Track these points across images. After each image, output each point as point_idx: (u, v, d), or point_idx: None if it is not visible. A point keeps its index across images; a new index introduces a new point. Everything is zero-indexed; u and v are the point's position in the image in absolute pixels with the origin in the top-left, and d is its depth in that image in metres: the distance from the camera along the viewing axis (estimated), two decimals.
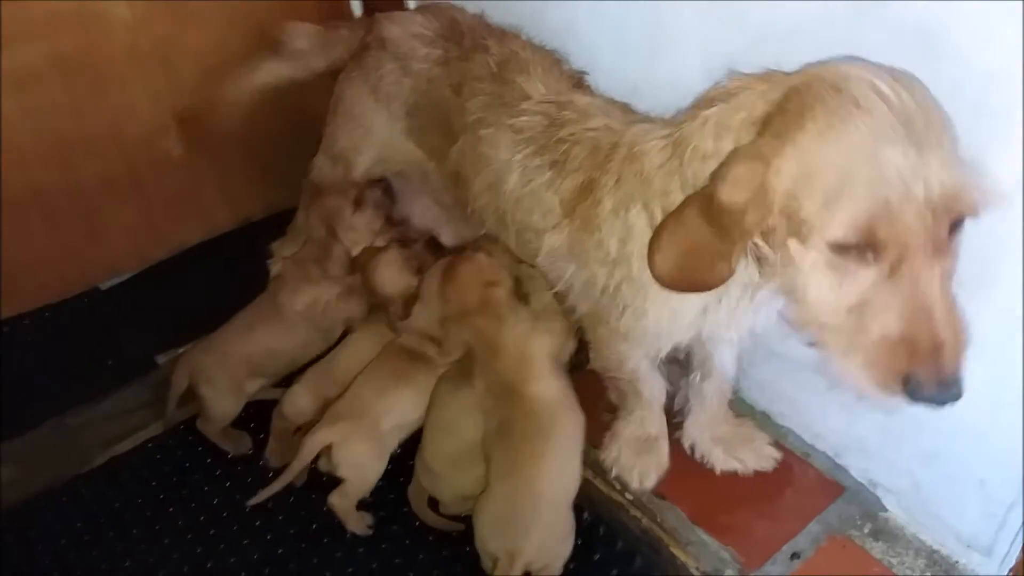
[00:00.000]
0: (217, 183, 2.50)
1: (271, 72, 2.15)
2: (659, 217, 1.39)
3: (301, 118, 2.33)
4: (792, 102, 1.17)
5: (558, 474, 1.76)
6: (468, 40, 1.91)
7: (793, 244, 1.18)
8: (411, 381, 1.97)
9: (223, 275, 2.46)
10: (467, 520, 1.87)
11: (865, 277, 1.14)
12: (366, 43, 2.07)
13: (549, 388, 1.81)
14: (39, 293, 2.33)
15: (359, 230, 2.17)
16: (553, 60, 1.85)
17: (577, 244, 1.63)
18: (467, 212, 1.93)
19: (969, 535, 1.71)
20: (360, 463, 1.91)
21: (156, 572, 1.90)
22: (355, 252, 2.18)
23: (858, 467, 1.87)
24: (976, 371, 1.52)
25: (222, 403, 2.09)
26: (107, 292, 2.42)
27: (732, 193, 1.17)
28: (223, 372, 2.06)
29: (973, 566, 1.72)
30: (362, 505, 1.95)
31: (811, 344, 1.25)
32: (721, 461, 1.89)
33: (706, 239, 1.22)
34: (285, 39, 2.11)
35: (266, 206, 2.60)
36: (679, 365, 1.89)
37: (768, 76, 1.27)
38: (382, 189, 2.22)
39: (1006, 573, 1.67)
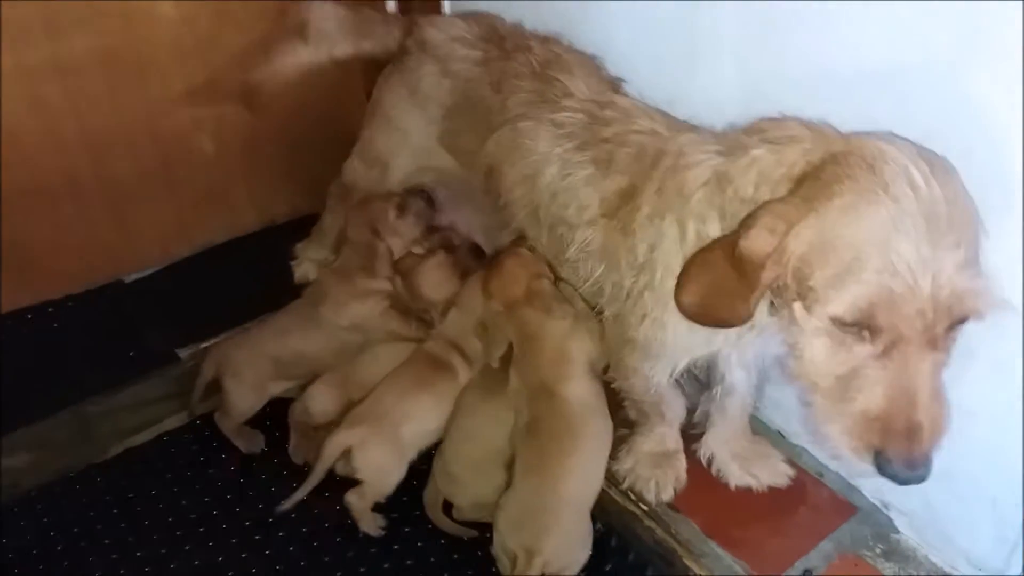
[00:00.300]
0: (245, 184, 2.53)
1: (296, 56, 2.13)
2: (691, 234, 1.45)
3: (329, 124, 2.38)
4: (827, 170, 1.22)
5: (582, 477, 1.79)
6: (509, 42, 1.95)
7: (798, 306, 1.25)
8: (433, 388, 2.00)
9: (246, 274, 2.48)
10: (480, 527, 1.89)
11: (859, 352, 1.21)
12: (405, 47, 2.11)
13: (583, 390, 1.85)
14: (65, 281, 2.35)
15: (401, 235, 2.20)
16: (594, 65, 1.90)
17: (611, 245, 1.66)
18: (498, 204, 1.95)
19: (979, 558, 1.72)
20: (379, 467, 1.94)
21: (167, 563, 1.91)
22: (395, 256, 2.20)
23: (871, 487, 1.88)
24: (990, 390, 1.56)
25: (243, 399, 2.11)
26: (131, 285, 2.44)
27: (753, 245, 1.24)
28: (250, 369, 2.09)
29: None
30: (376, 507, 1.96)
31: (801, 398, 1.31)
32: (736, 476, 1.90)
33: (729, 281, 1.28)
34: (310, 19, 2.09)
35: (291, 209, 2.63)
36: (698, 381, 1.91)
37: (816, 132, 1.32)
38: (424, 198, 2.25)
39: None
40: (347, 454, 1.94)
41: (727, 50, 1.76)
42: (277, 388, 2.15)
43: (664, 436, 1.89)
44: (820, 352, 1.24)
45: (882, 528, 1.85)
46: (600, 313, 1.81)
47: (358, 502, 1.94)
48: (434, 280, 2.15)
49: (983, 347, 1.54)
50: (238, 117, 2.33)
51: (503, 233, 2.04)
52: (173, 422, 2.20)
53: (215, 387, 2.11)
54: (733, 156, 1.40)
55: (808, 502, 1.89)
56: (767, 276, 1.25)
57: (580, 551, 1.76)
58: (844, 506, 1.88)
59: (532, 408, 1.84)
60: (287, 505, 1.92)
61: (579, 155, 1.72)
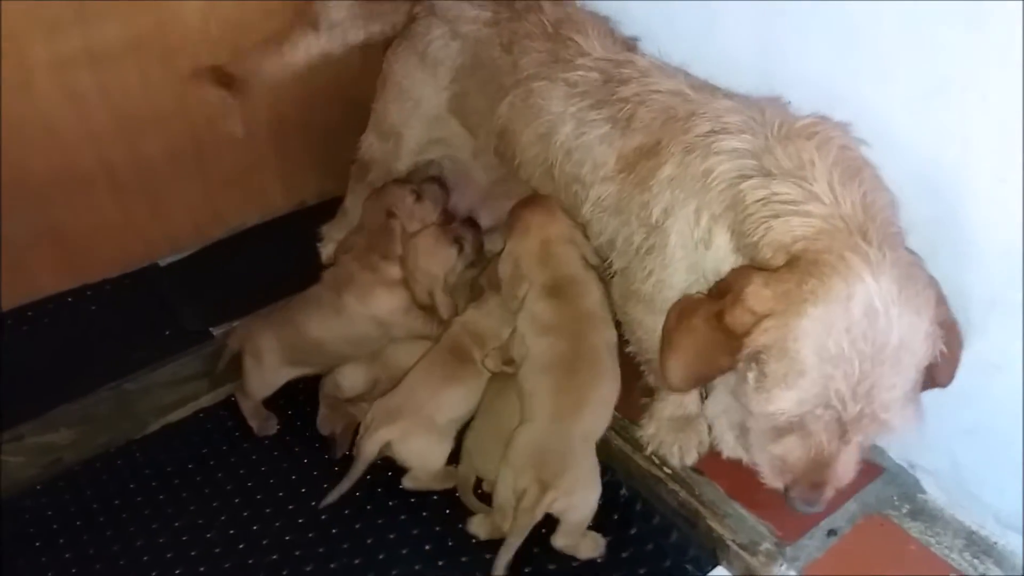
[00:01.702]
0: (275, 167, 2.58)
1: (309, 47, 2.17)
2: (703, 227, 1.51)
3: (356, 107, 2.41)
4: (816, 267, 1.29)
5: (600, 413, 1.85)
6: (520, 3, 1.96)
7: (751, 376, 1.35)
8: (463, 381, 2.02)
9: (277, 256, 2.54)
10: None
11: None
12: (413, 14, 2.13)
13: (609, 333, 1.91)
14: (101, 266, 2.42)
15: (419, 219, 2.20)
16: (607, 25, 1.90)
17: (625, 198, 1.68)
18: (514, 166, 1.96)
19: (1008, 515, 1.70)
20: (422, 454, 1.98)
21: (204, 533, 1.96)
22: None
23: (898, 448, 1.88)
24: (1014, 342, 1.55)
25: (260, 381, 2.14)
26: (166, 268, 2.51)
27: (737, 321, 1.32)
28: (269, 354, 2.12)
29: (1012, 547, 1.71)
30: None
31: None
32: (730, 447, 1.88)
33: (713, 345, 1.36)
34: (321, 11, 2.13)
35: (320, 192, 2.68)
36: None
37: (830, 211, 1.34)
38: (438, 183, 2.27)
39: None
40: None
41: (745, 10, 1.76)
42: (294, 373, 2.17)
43: (683, 400, 1.90)
44: (759, 411, 1.36)
45: (908, 488, 1.84)
46: (609, 266, 1.83)
47: (415, 484, 2.00)
48: (434, 254, 2.16)
49: (1007, 297, 1.54)
50: (267, 101, 2.39)
51: (507, 203, 2.06)
52: (208, 399, 2.26)
53: (238, 362, 2.15)
54: (762, 170, 1.43)
55: None
56: (741, 345, 1.34)
57: (589, 493, 1.78)
58: (870, 467, 1.87)
59: (563, 346, 1.87)
60: (331, 499, 1.95)
61: (594, 113, 1.73)
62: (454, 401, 2.00)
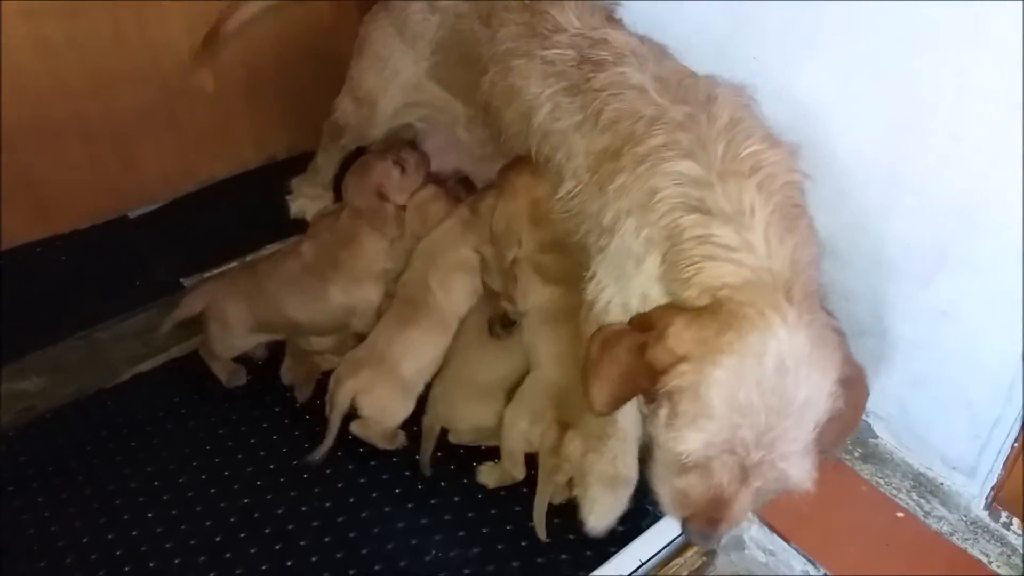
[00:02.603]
0: (246, 121, 2.60)
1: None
2: (640, 241, 1.51)
3: (327, 62, 2.41)
4: (736, 319, 1.31)
5: None
6: None
7: (663, 413, 1.37)
8: (416, 324, 2.04)
9: (247, 209, 2.56)
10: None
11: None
12: None
13: None
14: (73, 217, 2.43)
15: (406, 190, 2.20)
16: None
17: (589, 198, 1.68)
18: (500, 142, 1.97)
19: (954, 457, 1.78)
20: (384, 405, 1.99)
21: (176, 479, 1.99)
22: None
23: None
24: (962, 290, 1.62)
25: (227, 345, 2.15)
26: (136, 220, 2.51)
27: (658, 358, 1.35)
28: (239, 323, 2.11)
29: (957, 487, 1.80)
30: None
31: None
32: None
33: (636, 373, 1.39)
34: None
35: (289, 146, 2.69)
36: None
37: (759, 262, 1.36)
38: (416, 148, 2.26)
39: (987, 492, 1.75)
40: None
41: None
42: (262, 339, 2.18)
43: (616, 456, 1.83)
44: (667, 445, 1.38)
45: (861, 433, 1.91)
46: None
47: (363, 431, 2.00)
48: (433, 212, 2.17)
49: (956, 248, 1.60)
50: (238, 56, 2.39)
51: (489, 164, 2.07)
52: (179, 350, 2.27)
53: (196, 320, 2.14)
54: (703, 207, 1.42)
55: None
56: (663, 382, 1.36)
57: None
58: None
59: (562, 297, 1.89)
60: (318, 456, 1.96)
61: (569, 99, 1.72)
62: (413, 346, 2.02)
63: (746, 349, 1.28)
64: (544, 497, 1.81)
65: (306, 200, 2.52)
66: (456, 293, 2.09)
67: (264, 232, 2.32)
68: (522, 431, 1.85)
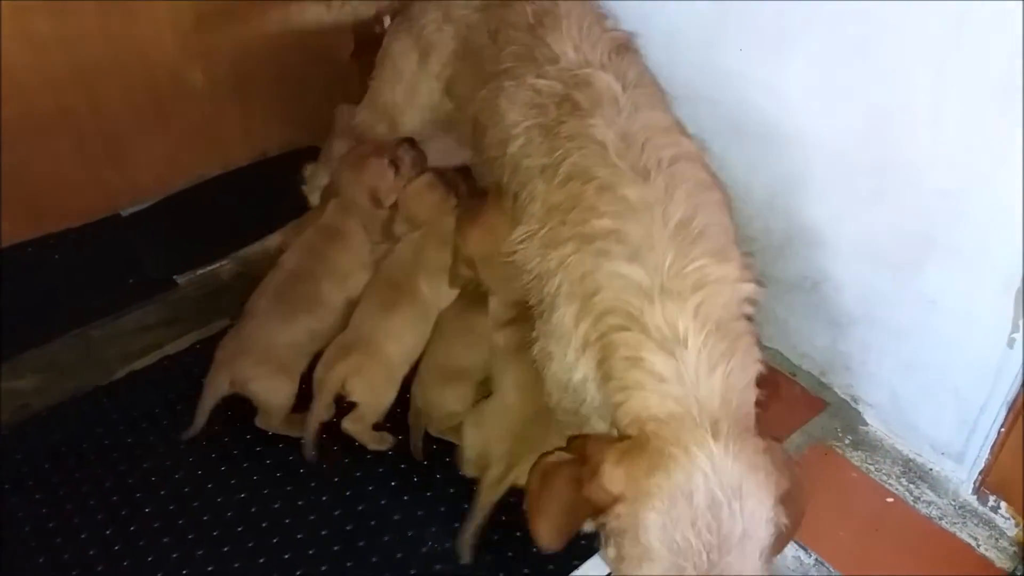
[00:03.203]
0: (237, 118, 2.60)
1: (315, 17, 2.18)
2: (579, 334, 1.49)
3: (319, 58, 2.42)
4: (662, 459, 1.28)
5: None
6: None
7: (611, 551, 1.36)
8: (398, 309, 2.04)
9: (239, 206, 2.56)
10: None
11: None
12: None
13: None
14: (65, 216, 2.43)
15: (397, 191, 2.14)
16: (595, 17, 1.83)
17: (537, 254, 1.64)
18: (481, 160, 1.96)
19: (943, 443, 1.81)
20: (373, 389, 2.00)
21: (173, 474, 2.00)
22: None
23: (842, 384, 1.97)
24: (949, 278, 1.65)
25: (279, 392, 2.03)
26: (128, 218, 2.52)
27: (595, 495, 1.33)
28: (266, 365, 2.01)
29: (946, 472, 1.82)
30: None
31: None
32: None
33: (576, 502, 1.36)
34: None
35: (282, 143, 2.70)
36: None
37: (689, 396, 1.33)
38: (411, 143, 2.19)
39: (975, 477, 1.77)
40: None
41: None
42: (304, 364, 2.07)
43: None
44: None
45: (851, 421, 1.94)
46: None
47: (355, 426, 2.00)
48: (429, 201, 2.14)
49: (943, 236, 1.63)
50: (229, 52, 2.40)
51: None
52: (173, 347, 2.27)
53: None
54: (640, 325, 1.39)
55: (781, 398, 1.98)
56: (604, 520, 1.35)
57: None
58: (815, 401, 1.98)
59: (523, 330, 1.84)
60: (308, 444, 1.96)
61: (540, 138, 1.68)
62: (396, 329, 2.03)
63: (675, 491, 1.26)
64: (473, 524, 1.79)
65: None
66: (444, 291, 2.08)
67: (257, 228, 2.32)
68: (477, 447, 1.85)
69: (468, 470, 1.91)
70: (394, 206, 2.16)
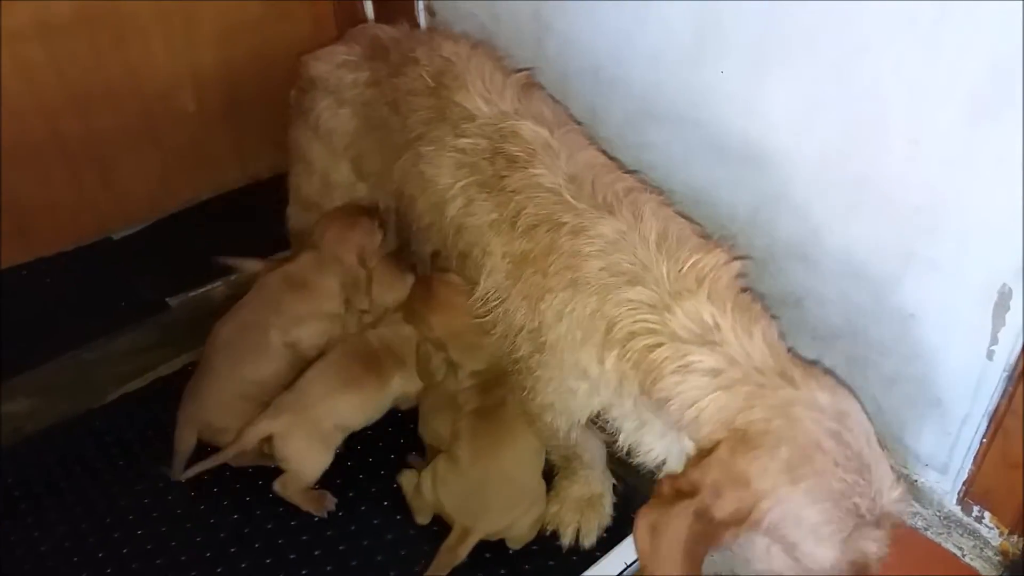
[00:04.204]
0: (229, 142, 2.63)
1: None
2: (608, 361, 1.48)
3: None
4: (774, 438, 1.30)
5: (523, 454, 1.86)
6: (395, 54, 1.91)
7: (774, 550, 1.35)
8: (361, 389, 2.01)
9: (230, 229, 2.59)
10: None
11: None
12: (301, 87, 2.10)
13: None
14: (56, 239, 2.46)
15: (377, 256, 2.15)
16: (494, 63, 1.83)
17: (513, 308, 1.65)
18: (414, 231, 1.94)
19: (927, 455, 1.82)
20: (300, 456, 1.95)
21: (165, 495, 2.02)
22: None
23: None
24: (928, 291, 1.67)
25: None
26: (119, 241, 2.55)
27: (725, 510, 1.31)
28: (222, 416, 2.01)
29: (931, 483, 1.84)
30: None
31: None
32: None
33: (699, 538, 1.33)
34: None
35: (272, 166, 2.70)
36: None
37: (748, 371, 1.36)
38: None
39: (959, 488, 1.79)
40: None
41: None
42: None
43: (588, 478, 1.91)
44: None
45: None
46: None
47: (285, 490, 1.96)
48: (385, 281, 2.14)
49: (921, 250, 1.65)
50: (220, 76, 2.44)
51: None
52: (166, 368, 2.29)
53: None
54: (669, 332, 1.40)
55: None
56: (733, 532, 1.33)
57: (527, 515, 1.85)
58: None
59: (481, 399, 1.88)
60: (189, 474, 1.96)
61: (482, 194, 1.67)
62: (349, 408, 2.00)
63: (806, 449, 1.28)
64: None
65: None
66: (412, 386, 2.07)
67: (248, 252, 2.34)
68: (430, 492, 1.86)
69: (420, 519, 1.92)
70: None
